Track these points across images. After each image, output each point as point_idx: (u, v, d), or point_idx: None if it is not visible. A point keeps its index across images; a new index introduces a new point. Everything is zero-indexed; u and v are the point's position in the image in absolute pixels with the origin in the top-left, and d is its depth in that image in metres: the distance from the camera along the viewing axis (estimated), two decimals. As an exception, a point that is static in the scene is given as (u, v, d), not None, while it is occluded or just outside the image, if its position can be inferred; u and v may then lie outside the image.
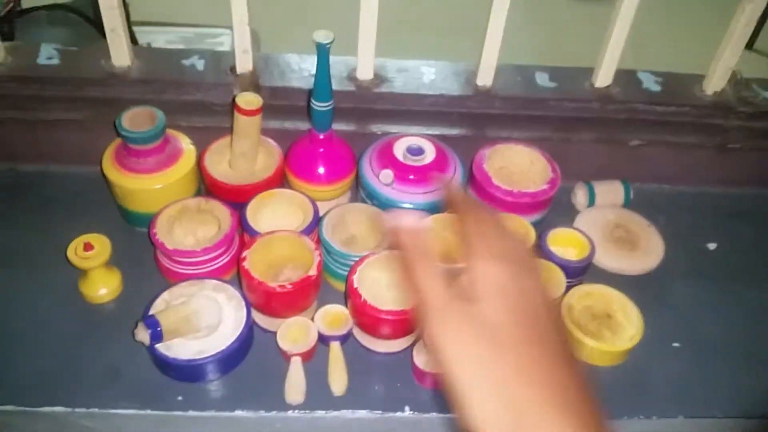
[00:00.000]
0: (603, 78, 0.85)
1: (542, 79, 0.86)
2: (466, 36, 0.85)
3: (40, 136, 0.80)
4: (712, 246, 0.80)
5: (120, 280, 0.69)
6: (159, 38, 1.49)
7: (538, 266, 0.39)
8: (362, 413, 0.61)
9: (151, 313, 0.61)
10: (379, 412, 0.61)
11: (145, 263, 0.71)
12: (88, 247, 0.65)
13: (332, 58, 0.84)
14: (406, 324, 0.61)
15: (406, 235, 0.37)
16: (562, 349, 0.36)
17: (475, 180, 0.75)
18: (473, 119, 0.83)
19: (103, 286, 0.68)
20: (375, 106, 0.82)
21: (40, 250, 0.72)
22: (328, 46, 0.64)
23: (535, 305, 0.36)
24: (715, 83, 0.86)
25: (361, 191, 0.75)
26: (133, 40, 1.38)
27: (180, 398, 0.61)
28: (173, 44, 1.46)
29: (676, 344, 0.69)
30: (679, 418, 0.63)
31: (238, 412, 0.60)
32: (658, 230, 0.78)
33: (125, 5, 1.19)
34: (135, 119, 0.70)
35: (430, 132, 0.81)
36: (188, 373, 0.60)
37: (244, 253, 0.62)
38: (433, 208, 0.71)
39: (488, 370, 0.33)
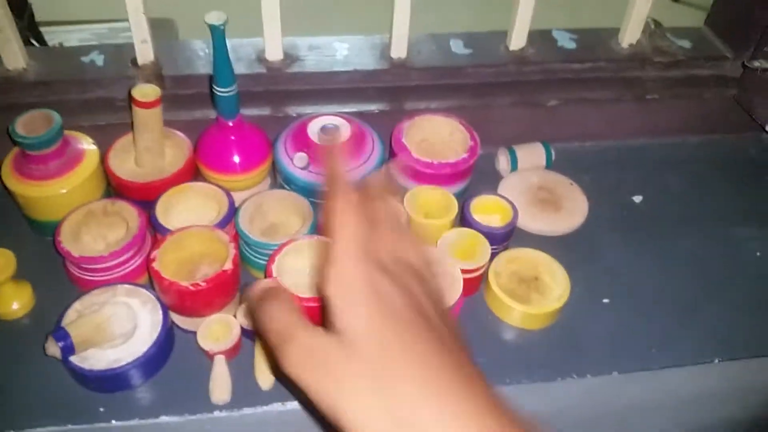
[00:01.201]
0: (517, 40, 0.84)
1: (457, 46, 0.84)
2: (380, 6, 0.83)
3: (-66, 151, 0.76)
4: (638, 199, 0.80)
5: (31, 293, 0.66)
6: (71, 37, 1.43)
7: (421, 261, 0.39)
8: (293, 404, 0.59)
9: (62, 324, 0.58)
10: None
11: (57, 273, 0.68)
12: (-10, 262, 0.62)
13: (240, 41, 0.82)
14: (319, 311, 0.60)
15: (258, 292, 0.39)
16: (440, 346, 0.34)
17: (395, 155, 0.73)
18: (390, 93, 0.81)
19: (13, 301, 0.65)
20: (288, 88, 0.80)
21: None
22: (221, 27, 0.61)
23: (401, 305, 0.35)
24: (630, 35, 0.86)
25: (278, 177, 0.72)
26: (42, 42, 1.32)
27: (102, 409, 0.58)
28: (87, 42, 1.41)
29: (605, 300, 0.69)
30: (613, 374, 0.62)
31: (164, 418, 0.58)
32: (582, 188, 0.78)
33: (27, 4, 1.13)
34: (30, 124, 0.66)
35: (346, 110, 0.79)
36: (107, 382, 0.58)
37: (154, 254, 0.60)
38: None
39: (351, 387, 0.32)
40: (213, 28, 0.62)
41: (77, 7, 1.46)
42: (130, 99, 0.66)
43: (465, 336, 0.38)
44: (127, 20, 0.74)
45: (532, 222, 0.73)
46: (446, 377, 0.33)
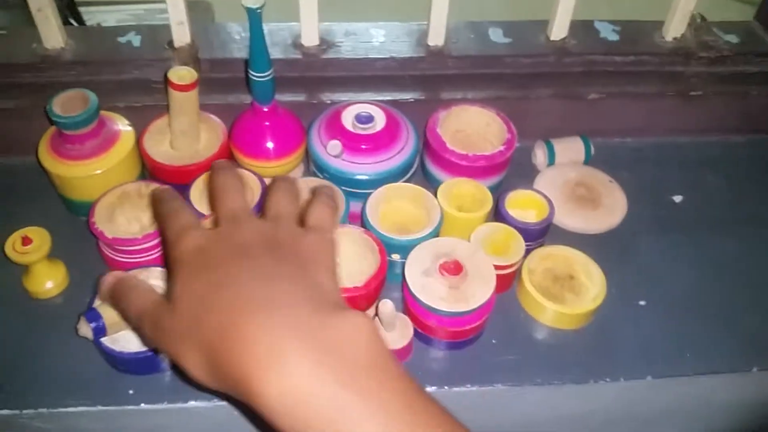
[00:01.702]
0: (558, 30, 0.82)
1: (496, 35, 0.83)
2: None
3: (-27, 127, 0.76)
4: (677, 198, 0.78)
5: (65, 273, 0.66)
6: (109, 17, 1.44)
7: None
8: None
9: (94, 306, 0.58)
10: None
11: (92, 253, 0.68)
12: (26, 241, 0.62)
13: (277, 25, 0.81)
14: (360, 300, 0.59)
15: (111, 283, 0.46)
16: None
17: (429, 145, 0.72)
18: (426, 81, 0.80)
19: (48, 280, 0.65)
20: (323, 74, 0.79)
21: (-21, 247, 0.69)
22: (259, 11, 0.60)
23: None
24: (674, 29, 0.83)
25: (311, 165, 0.72)
26: (80, 21, 1.33)
27: (131, 392, 0.59)
28: (124, 22, 1.42)
29: (642, 302, 0.67)
30: (647, 379, 0.61)
31: (192, 403, 0.58)
32: (620, 186, 0.76)
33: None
34: (67, 103, 0.66)
35: (381, 98, 0.78)
36: (137, 365, 0.58)
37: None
38: (387, 178, 0.68)
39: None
40: (250, 12, 0.61)
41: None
42: (167, 81, 0.65)
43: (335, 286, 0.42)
44: (164, 1, 0.74)
45: (568, 219, 0.72)
46: (261, 317, 0.36)
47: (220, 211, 0.45)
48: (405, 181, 0.70)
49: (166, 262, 0.42)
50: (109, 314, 0.56)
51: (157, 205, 0.49)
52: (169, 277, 0.40)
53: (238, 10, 0.62)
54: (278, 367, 0.33)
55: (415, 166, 0.73)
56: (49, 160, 0.67)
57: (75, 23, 1.22)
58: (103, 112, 0.68)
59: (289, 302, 0.37)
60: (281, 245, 0.41)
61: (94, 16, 1.40)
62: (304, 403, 0.33)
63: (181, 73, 0.65)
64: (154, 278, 0.61)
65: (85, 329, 0.56)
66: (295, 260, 0.40)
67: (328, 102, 0.77)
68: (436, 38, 0.80)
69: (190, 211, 0.46)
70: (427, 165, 0.74)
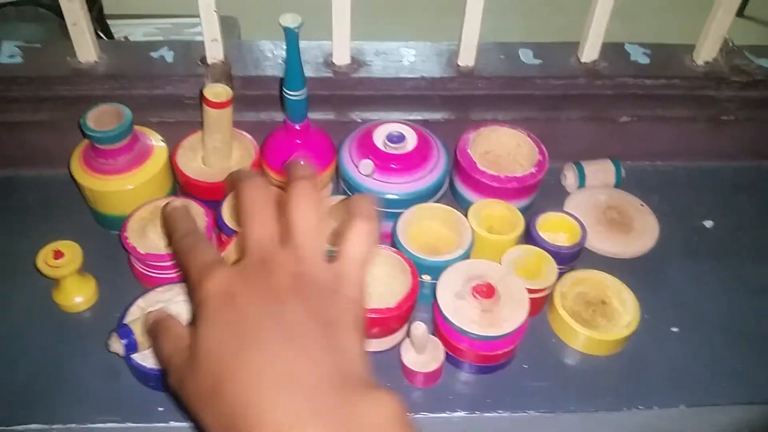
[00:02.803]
0: (589, 52, 0.81)
1: (526, 56, 0.83)
2: (448, 14, 0.82)
3: (6, 140, 0.77)
4: (708, 224, 0.77)
5: (95, 287, 0.66)
6: (137, 31, 1.45)
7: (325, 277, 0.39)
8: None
9: (125, 322, 0.58)
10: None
11: (122, 267, 0.68)
12: (58, 255, 0.62)
13: (307, 43, 0.81)
14: (391, 321, 0.59)
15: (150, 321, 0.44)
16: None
17: (459, 166, 0.72)
18: (456, 102, 0.80)
19: (77, 295, 0.65)
20: (353, 93, 0.79)
21: (10, 259, 0.69)
22: (296, 30, 0.60)
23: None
24: (706, 52, 0.83)
25: (341, 183, 0.72)
26: (108, 34, 1.34)
27: (161, 409, 0.58)
28: (151, 37, 1.43)
29: (674, 329, 0.66)
30: (680, 407, 0.60)
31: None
32: (651, 210, 0.75)
33: (95, -2, 1.14)
34: (101, 118, 0.67)
35: (411, 117, 0.78)
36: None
37: (221, 254, 0.59)
38: (418, 198, 0.68)
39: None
40: (287, 31, 0.61)
41: (142, 1, 1.48)
42: (202, 98, 0.66)
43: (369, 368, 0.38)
44: (190, 16, 0.74)
45: (599, 243, 0.71)
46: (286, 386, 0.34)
47: (248, 237, 0.41)
48: (435, 202, 0.70)
49: (190, 300, 0.40)
50: (140, 330, 0.56)
51: (172, 235, 0.45)
52: (194, 322, 0.38)
53: (263, 25, 0.62)
54: None
55: (446, 186, 0.72)
56: (82, 174, 0.68)
57: (103, 36, 1.23)
58: (136, 127, 0.69)
59: (314, 379, 0.34)
60: (311, 290, 0.38)
61: (121, 29, 1.41)
62: None
63: (217, 90, 0.65)
64: (179, 296, 0.61)
65: (117, 345, 0.55)
66: (323, 313, 0.38)
67: (359, 120, 0.77)
68: (467, 58, 0.80)
69: (210, 245, 0.43)
70: (457, 185, 0.74)
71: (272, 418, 0.33)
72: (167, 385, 0.38)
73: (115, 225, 0.70)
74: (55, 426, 0.58)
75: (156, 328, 0.43)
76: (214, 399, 0.35)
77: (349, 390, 0.35)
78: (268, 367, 0.34)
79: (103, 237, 0.71)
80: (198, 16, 0.73)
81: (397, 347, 0.61)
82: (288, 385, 0.34)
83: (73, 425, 0.58)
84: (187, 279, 0.41)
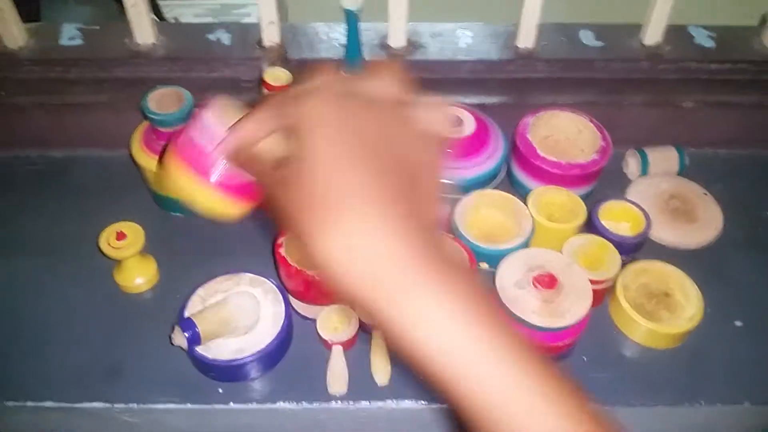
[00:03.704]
0: (652, 35, 0.79)
1: (587, 38, 0.80)
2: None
3: (67, 121, 0.78)
4: (772, 214, 0.75)
5: (156, 269, 0.67)
6: (186, 12, 1.46)
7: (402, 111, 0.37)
8: (407, 403, 0.58)
9: (186, 314, 0.59)
10: (424, 402, 0.58)
11: (181, 249, 0.69)
12: (120, 236, 0.63)
13: (362, 25, 0.80)
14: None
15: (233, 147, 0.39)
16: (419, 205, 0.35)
17: (518, 151, 0.71)
18: (514, 85, 0.79)
19: (138, 276, 0.66)
20: (409, 75, 0.78)
21: (73, 239, 0.70)
22: (357, 12, 0.60)
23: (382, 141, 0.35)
24: (776, 35, 0.80)
25: (398, 167, 0.71)
26: (160, 15, 1.35)
27: (220, 390, 0.59)
28: (200, 17, 1.44)
29: (738, 323, 0.64)
30: (744, 405, 0.59)
31: (281, 404, 0.58)
32: (715, 199, 0.73)
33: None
34: (161, 100, 0.67)
35: (468, 101, 0.76)
36: (229, 373, 0.58)
37: (280, 240, 0.60)
38: (475, 184, 0.67)
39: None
40: (348, 13, 0.61)
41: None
42: (261, 82, 0.66)
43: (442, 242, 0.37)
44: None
45: (661, 232, 0.69)
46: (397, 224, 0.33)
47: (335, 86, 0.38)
48: (492, 188, 0.69)
49: (292, 134, 0.37)
50: (204, 324, 0.56)
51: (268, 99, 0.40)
52: (296, 137, 0.36)
53: (310, 6, 0.61)
54: (413, 284, 0.32)
55: (504, 172, 0.71)
56: (143, 156, 0.68)
57: (156, 18, 1.24)
58: (196, 110, 0.69)
59: (420, 223, 0.35)
60: (401, 140, 0.37)
61: (171, 9, 1.42)
62: (433, 333, 0.31)
63: (277, 75, 0.65)
64: (244, 285, 0.61)
65: (180, 339, 0.56)
66: (411, 169, 0.37)
67: (414, 104, 0.77)
68: (526, 40, 0.78)
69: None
70: (515, 172, 0.73)
71: (396, 245, 0.33)
72: (263, 203, 0.37)
73: (175, 207, 0.71)
74: (116, 405, 0.59)
75: (248, 146, 0.39)
76: (324, 209, 0.34)
77: (433, 233, 0.35)
78: (382, 195, 0.34)
79: (164, 218, 0.72)
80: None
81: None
82: (404, 219, 0.34)
83: (134, 405, 0.59)
84: (287, 106, 0.37)
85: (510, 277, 0.59)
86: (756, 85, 0.80)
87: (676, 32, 0.81)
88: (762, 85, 0.80)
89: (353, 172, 0.34)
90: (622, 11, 0.88)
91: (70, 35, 0.78)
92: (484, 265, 0.62)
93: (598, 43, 0.79)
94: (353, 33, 0.62)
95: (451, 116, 0.69)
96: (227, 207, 0.43)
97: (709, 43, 0.81)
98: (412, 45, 0.78)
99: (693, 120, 0.79)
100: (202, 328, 0.55)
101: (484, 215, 0.66)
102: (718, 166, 0.80)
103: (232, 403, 0.58)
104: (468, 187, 0.67)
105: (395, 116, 0.38)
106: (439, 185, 0.39)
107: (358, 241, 0.33)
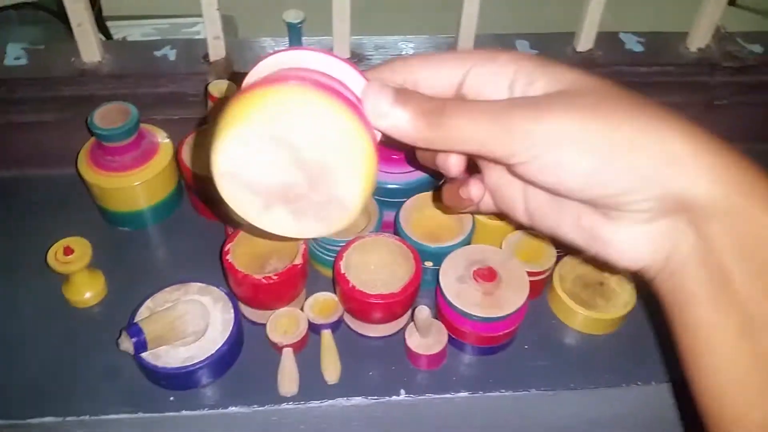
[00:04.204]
0: (585, 42, 0.83)
1: (523, 47, 0.84)
2: (446, 8, 0.83)
3: (14, 140, 0.78)
4: (704, 206, 0.79)
5: (104, 283, 0.68)
6: (134, 32, 1.47)
7: None
8: (357, 400, 0.60)
9: (135, 320, 0.59)
10: (375, 397, 0.60)
11: (129, 263, 0.70)
12: (67, 251, 0.64)
13: (307, 39, 0.82)
14: (396, 307, 0.60)
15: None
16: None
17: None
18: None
19: (87, 290, 0.67)
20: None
21: (22, 257, 0.70)
22: (299, 25, 0.62)
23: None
24: (699, 39, 0.84)
25: (343, 174, 0.73)
26: (108, 35, 1.36)
27: (172, 398, 0.60)
28: (149, 37, 1.44)
29: (671, 308, 0.68)
30: (674, 383, 0.62)
31: (232, 409, 0.59)
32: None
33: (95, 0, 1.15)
34: (107, 116, 0.68)
35: (411, 109, 0.79)
36: (178, 380, 0.59)
37: (227, 247, 0.61)
38: (418, 187, 0.69)
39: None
40: (291, 27, 0.63)
41: (139, 1, 1.50)
42: (206, 94, 0.67)
43: None
44: (187, 16, 0.76)
45: (597, 227, 0.72)
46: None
47: None
48: (434, 190, 0.72)
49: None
50: (150, 329, 0.57)
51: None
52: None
53: (260, 23, 0.64)
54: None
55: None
56: (89, 172, 0.69)
57: (103, 38, 1.24)
58: (142, 125, 0.70)
59: None
60: None
61: (120, 30, 1.42)
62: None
63: (222, 87, 0.67)
64: (192, 293, 0.62)
65: (127, 344, 0.57)
66: None
67: (359, 113, 0.79)
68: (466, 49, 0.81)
69: None
70: (457, 174, 0.75)
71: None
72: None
73: (122, 221, 0.72)
74: (68, 418, 0.59)
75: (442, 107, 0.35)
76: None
77: None
78: None
79: (111, 233, 0.72)
80: (196, 15, 0.75)
81: (401, 332, 0.63)
82: None
83: (86, 417, 0.59)
84: None
85: (453, 273, 0.61)
86: (682, 86, 0.84)
87: (607, 38, 0.85)
88: (688, 85, 0.84)
89: None
90: (557, 22, 0.92)
91: (15, 55, 0.78)
92: (429, 264, 0.64)
93: (534, 52, 0.83)
94: (297, 46, 0.64)
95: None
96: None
97: (639, 48, 0.85)
98: (356, 57, 0.81)
99: (625, 121, 0.83)
100: (148, 332, 0.56)
101: (427, 216, 0.68)
102: (651, 163, 0.84)
103: (184, 411, 0.59)
104: (412, 191, 0.69)
105: None
106: None
107: None
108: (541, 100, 0.34)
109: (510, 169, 0.36)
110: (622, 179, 0.32)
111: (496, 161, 0.36)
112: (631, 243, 0.34)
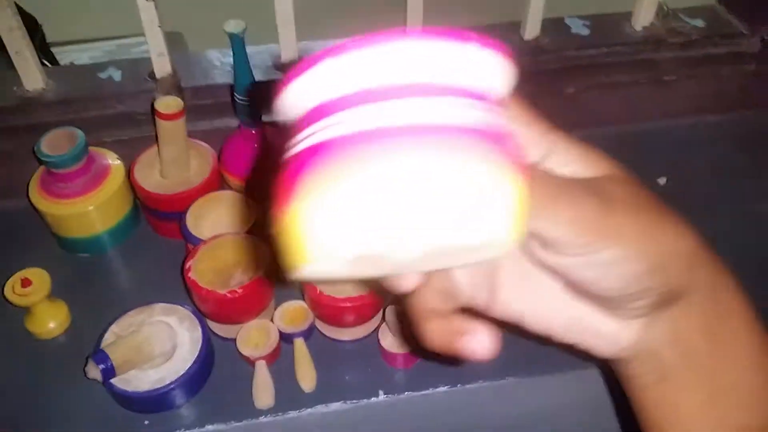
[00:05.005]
0: (531, 30, 0.83)
1: (471, 39, 0.84)
2: (390, 4, 0.83)
3: (-39, 175, 0.76)
4: (662, 181, 0.80)
5: (67, 312, 0.66)
6: (82, 56, 1.44)
7: None
8: (336, 405, 0.59)
9: (101, 347, 0.58)
10: (353, 401, 0.59)
11: (91, 289, 0.68)
12: (25, 282, 0.62)
13: (255, 48, 0.82)
14: (366, 309, 0.60)
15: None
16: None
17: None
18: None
19: (50, 321, 0.65)
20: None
21: (-22, 293, 0.68)
22: (241, 35, 0.61)
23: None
24: (643, 18, 0.86)
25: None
26: (54, 62, 1.33)
27: (146, 422, 0.59)
28: (97, 59, 1.42)
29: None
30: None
31: (209, 427, 0.58)
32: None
33: (38, 27, 1.13)
34: (55, 142, 0.66)
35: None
36: (151, 403, 0.58)
37: (188, 264, 0.60)
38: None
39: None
40: (233, 37, 0.62)
41: (85, 26, 1.47)
42: (153, 112, 0.66)
43: None
44: (135, 36, 0.74)
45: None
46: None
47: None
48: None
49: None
50: (117, 354, 0.56)
51: None
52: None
53: (210, 38, 0.63)
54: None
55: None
56: (41, 201, 0.67)
57: (48, 64, 1.22)
58: (91, 148, 0.69)
59: None
60: None
61: (67, 55, 1.39)
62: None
63: (168, 102, 0.65)
64: (157, 315, 0.61)
65: (94, 372, 0.55)
66: None
67: (313, 118, 0.78)
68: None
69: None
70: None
71: None
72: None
73: (81, 248, 0.70)
74: (42, 453, 0.57)
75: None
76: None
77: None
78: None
79: (69, 261, 0.71)
80: (142, 35, 0.73)
81: (374, 333, 0.62)
82: None
83: (59, 452, 0.58)
84: None
85: (420, 270, 0.61)
86: (630, 65, 0.85)
87: (553, 24, 0.86)
88: (635, 64, 0.85)
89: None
90: (501, 11, 0.93)
91: (-46, 89, 0.76)
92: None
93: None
94: (240, 56, 0.63)
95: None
96: None
97: (585, 31, 0.86)
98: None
99: (577, 104, 0.84)
100: (114, 357, 0.55)
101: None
102: (607, 143, 0.83)
103: (159, 434, 0.58)
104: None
105: None
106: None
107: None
108: (602, 188, 0.31)
109: (541, 257, 0.32)
110: (654, 278, 0.31)
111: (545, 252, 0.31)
112: (620, 334, 0.33)
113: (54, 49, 1.29)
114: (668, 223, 0.33)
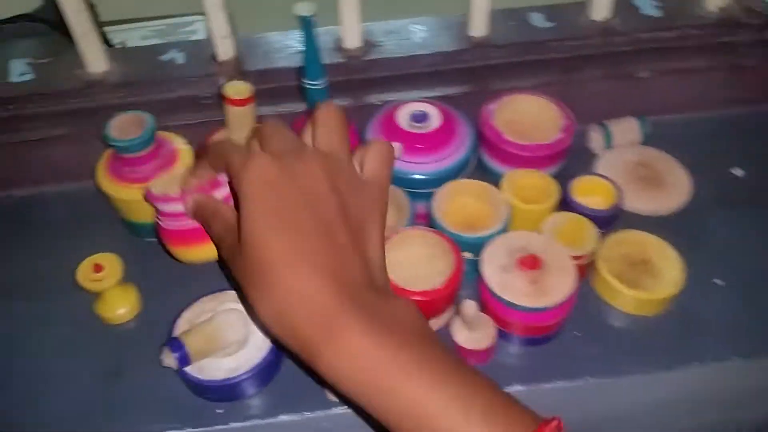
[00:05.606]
0: (600, 10, 0.80)
1: (538, 20, 0.82)
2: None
3: (29, 158, 0.76)
4: (738, 172, 0.77)
5: (137, 296, 0.66)
6: (133, 35, 1.43)
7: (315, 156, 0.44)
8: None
9: (174, 334, 0.58)
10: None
11: (160, 274, 0.68)
12: (97, 268, 0.62)
13: (317, 31, 0.80)
14: (440, 303, 0.59)
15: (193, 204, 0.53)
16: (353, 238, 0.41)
17: (486, 138, 0.71)
18: (473, 74, 0.79)
19: (121, 306, 0.65)
20: (369, 75, 0.78)
21: (49, 277, 0.69)
22: (312, 18, 0.60)
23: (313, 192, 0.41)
24: (718, -2, 0.82)
25: (369, 168, 0.71)
26: (106, 41, 1.33)
27: (220, 411, 0.58)
28: (148, 39, 1.41)
29: (719, 281, 0.66)
30: (733, 360, 0.60)
31: (282, 417, 0.58)
32: (680, 163, 0.75)
33: (92, 7, 1.13)
34: (123, 126, 0.66)
35: (430, 94, 0.77)
36: (226, 392, 0.58)
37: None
38: (447, 176, 0.67)
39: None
40: (303, 20, 0.60)
41: (135, 4, 1.47)
42: (222, 97, 0.65)
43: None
44: (182, 15, 0.73)
45: (634, 202, 0.71)
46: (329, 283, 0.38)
47: (275, 146, 0.46)
48: (464, 178, 0.70)
49: (233, 195, 0.44)
50: (192, 342, 0.56)
51: (215, 148, 0.51)
52: (238, 210, 0.41)
53: (259, 19, 0.61)
54: (338, 330, 0.36)
55: (474, 161, 0.72)
56: (110, 185, 0.67)
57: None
58: (159, 133, 0.68)
59: (350, 277, 0.39)
60: (344, 190, 0.43)
61: (117, 35, 1.39)
62: (362, 364, 0.36)
63: (238, 88, 0.64)
64: (229, 302, 0.61)
65: (169, 360, 0.55)
66: (356, 216, 0.42)
67: (377, 103, 0.77)
68: (478, 29, 0.79)
69: (252, 145, 0.48)
70: (485, 159, 0.73)
71: (320, 301, 0.37)
72: (220, 260, 0.43)
73: (148, 232, 0.70)
74: (116, 437, 0.58)
75: (203, 212, 0.48)
76: (262, 282, 0.38)
77: (378, 292, 0.40)
78: (310, 257, 0.38)
79: (139, 245, 0.71)
80: (193, 14, 0.72)
81: (446, 328, 0.61)
82: (329, 272, 0.38)
83: (134, 435, 0.58)
84: (230, 176, 0.44)
85: (495, 263, 0.60)
86: (705, 49, 0.82)
87: (622, 4, 0.82)
88: (710, 48, 0.82)
89: (285, 240, 0.38)
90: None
91: (20, 71, 0.76)
92: (468, 254, 0.63)
93: (549, 24, 0.81)
94: (310, 39, 0.61)
95: (417, 112, 0.70)
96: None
97: (656, 13, 0.83)
98: (368, 45, 0.79)
99: (649, 89, 0.81)
100: (190, 345, 0.55)
101: (461, 205, 0.66)
102: (679, 131, 0.82)
103: (232, 423, 0.58)
104: (441, 180, 0.67)
105: (336, 169, 0.44)
106: (383, 229, 0.45)
107: (286, 307, 0.38)
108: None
109: None
110: None
111: None
112: None
113: (104, 29, 1.29)
114: None
